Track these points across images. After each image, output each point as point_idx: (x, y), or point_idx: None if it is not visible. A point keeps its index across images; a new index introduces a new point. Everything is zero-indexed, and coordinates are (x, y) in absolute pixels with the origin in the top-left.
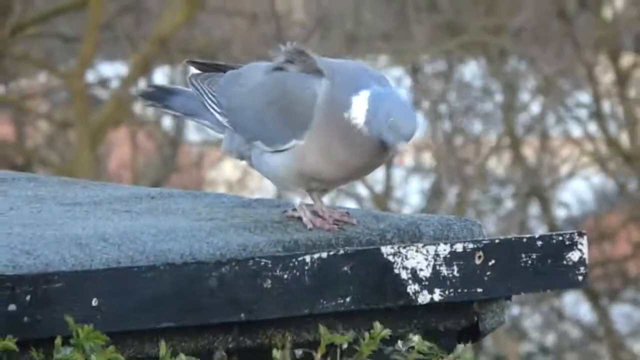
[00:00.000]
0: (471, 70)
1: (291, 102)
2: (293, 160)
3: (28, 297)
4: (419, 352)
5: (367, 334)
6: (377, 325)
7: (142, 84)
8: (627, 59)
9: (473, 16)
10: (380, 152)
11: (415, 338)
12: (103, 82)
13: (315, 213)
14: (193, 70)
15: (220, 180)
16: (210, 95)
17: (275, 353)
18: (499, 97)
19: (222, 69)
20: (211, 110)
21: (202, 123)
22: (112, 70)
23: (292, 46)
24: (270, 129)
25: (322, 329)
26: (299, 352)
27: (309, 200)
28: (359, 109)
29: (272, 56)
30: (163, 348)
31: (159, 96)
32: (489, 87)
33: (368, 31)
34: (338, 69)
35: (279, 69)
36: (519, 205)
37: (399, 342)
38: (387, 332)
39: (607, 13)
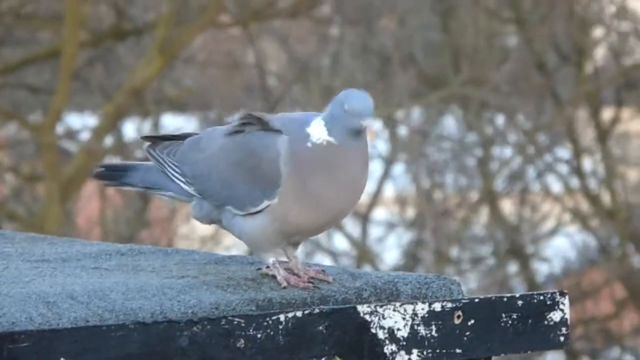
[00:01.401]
0: (450, 124)
1: (256, 163)
2: (270, 220)
3: None
4: None
5: None
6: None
7: (110, 138)
8: (608, 113)
9: (453, 69)
10: (356, 164)
11: None
12: (73, 135)
13: (289, 271)
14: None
15: (193, 235)
16: (172, 165)
17: None
18: (478, 152)
19: (179, 138)
20: (175, 180)
21: (165, 195)
22: (80, 121)
23: (244, 114)
24: (239, 192)
25: None
26: None
27: (283, 258)
28: (317, 131)
29: (229, 121)
30: None
31: (115, 174)
32: (468, 141)
33: (346, 83)
34: (289, 121)
35: (237, 131)
36: (499, 262)
37: None
38: None
39: (589, 67)
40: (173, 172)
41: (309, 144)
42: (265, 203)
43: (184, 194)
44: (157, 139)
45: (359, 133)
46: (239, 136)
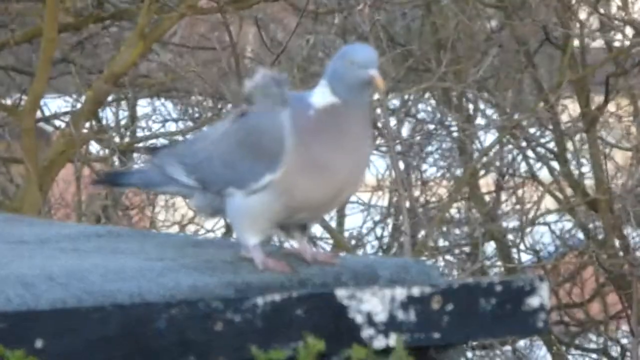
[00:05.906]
0: (429, 107)
1: (258, 138)
2: (276, 195)
3: None
4: None
5: (302, 349)
6: (310, 338)
7: (91, 122)
8: (595, 100)
9: (434, 56)
10: (361, 124)
11: None
12: (53, 118)
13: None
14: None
15: (171, 218)
16: (172, 162)
17: None
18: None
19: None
20: (177, 176)
21: (166, 191)
22: (57, 104)
23: (264, 76)
24: (241, 170)
25: (254, 349)
26: None
27: (293, 243)
28: (319, 96)
29: (232, 91)
30: None
31: (112, 180)
32: (447, 124)
33: (322, 69)
34: (292, 97)
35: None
36: (477, 247)
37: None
38: (321, 345)
39: (575, 52)
40: (172, 168)
41: (311, 112)
42: (268, 177)
43: (184, 188)
44: (157, 149)
45: (365, 85)
46: (243, 119)
